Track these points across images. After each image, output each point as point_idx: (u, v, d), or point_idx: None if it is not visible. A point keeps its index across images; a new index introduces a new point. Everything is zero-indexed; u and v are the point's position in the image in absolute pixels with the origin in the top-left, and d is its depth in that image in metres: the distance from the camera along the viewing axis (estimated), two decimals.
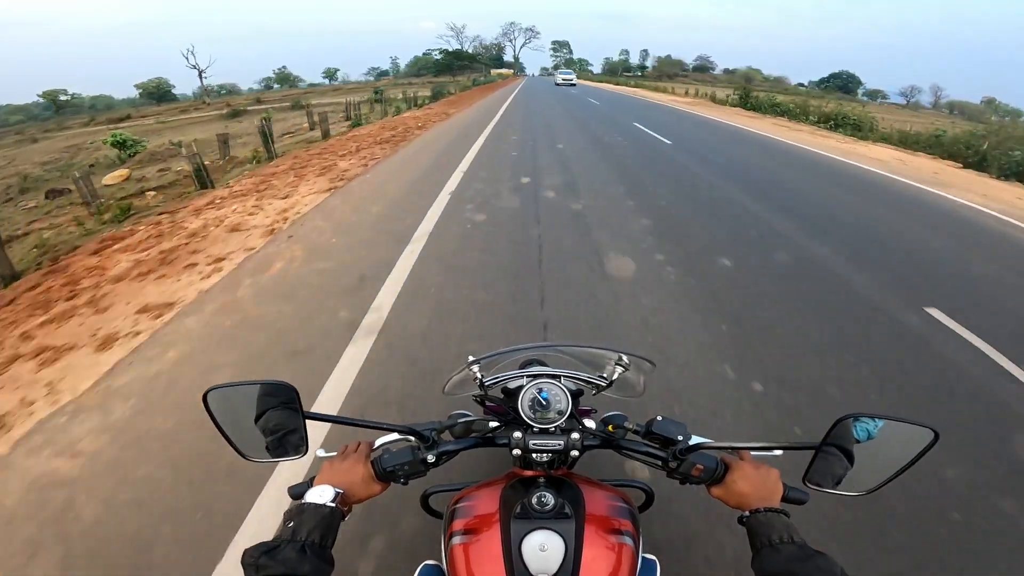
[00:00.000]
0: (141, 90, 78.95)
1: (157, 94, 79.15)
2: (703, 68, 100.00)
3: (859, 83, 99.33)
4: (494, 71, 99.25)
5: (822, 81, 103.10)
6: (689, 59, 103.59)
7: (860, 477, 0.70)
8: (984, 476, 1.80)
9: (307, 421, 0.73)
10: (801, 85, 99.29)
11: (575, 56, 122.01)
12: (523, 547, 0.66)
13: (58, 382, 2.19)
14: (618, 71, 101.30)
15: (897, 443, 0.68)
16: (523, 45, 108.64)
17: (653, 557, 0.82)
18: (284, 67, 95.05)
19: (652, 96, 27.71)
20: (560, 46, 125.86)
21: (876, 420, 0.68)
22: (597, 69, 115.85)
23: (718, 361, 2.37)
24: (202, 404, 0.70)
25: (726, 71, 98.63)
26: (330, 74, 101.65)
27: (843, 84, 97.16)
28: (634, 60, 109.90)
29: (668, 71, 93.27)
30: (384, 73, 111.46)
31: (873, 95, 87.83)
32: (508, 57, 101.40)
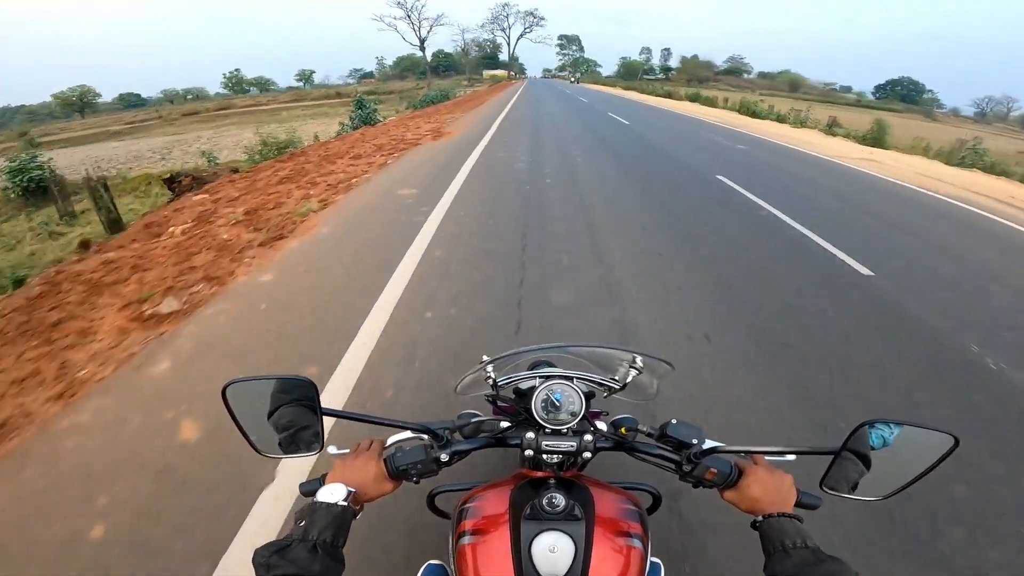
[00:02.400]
0: (58, 100, 66.23)
1: (79, 105, 66.70)
2: (736, 71, 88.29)
3: (923, 91, 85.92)
4: (487, 73, 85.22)
5: (879, 89, 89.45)
6: (717, 60, 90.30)
7: (877, 482, 0.74)
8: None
9: (323, 417, 0.77)
10: (833, 89, 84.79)
11: (585, 54, 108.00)
12: (532, 548, 0.70)
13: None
14: (637, 74, 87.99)
15: (916, 449, 0.71)
16: (521, 36, 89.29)
17: (658, 560, 0.85)
18: (237, 70, 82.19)
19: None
20: (569, 42, 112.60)
21: (894, 426, 0.72)
22: (607, 71, 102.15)
23: None
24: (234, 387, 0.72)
25: (762, 75, 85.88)
26: (304, 77, 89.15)
27: (906, 93, 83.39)
28: (652, 60, 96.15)
29: (697, 74, 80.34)
30: (368, 75, 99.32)
31: (927, 104, 74.14)
32: (505, 56, 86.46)
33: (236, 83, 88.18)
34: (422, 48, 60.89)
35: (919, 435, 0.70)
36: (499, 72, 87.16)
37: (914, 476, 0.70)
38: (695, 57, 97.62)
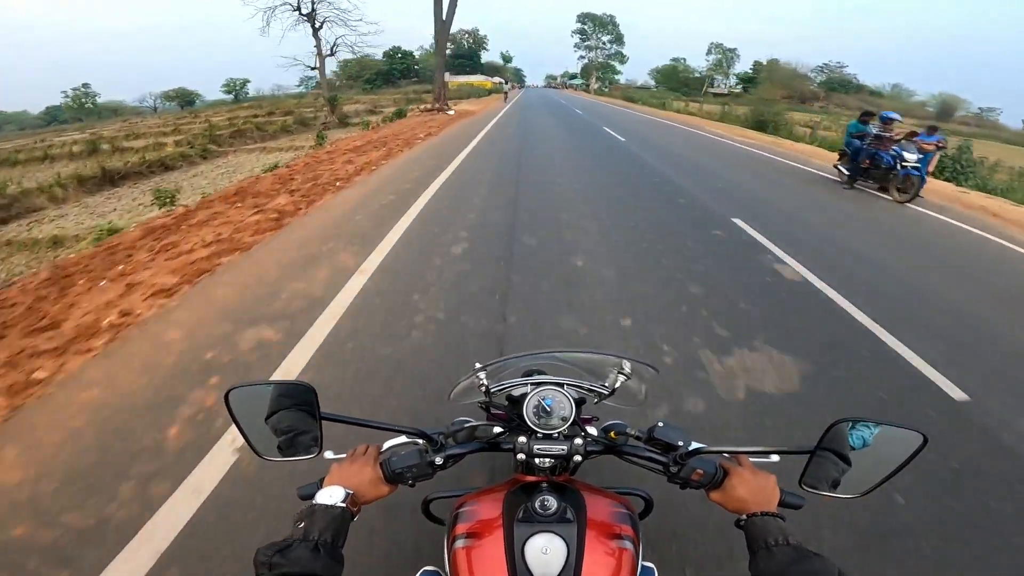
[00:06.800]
0: None
1: None
2: (840, 85, 60.28)
3: None
4: (453, 80, 55.64)
5: None
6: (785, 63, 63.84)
7: (854, 480, 0.84)
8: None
9: (322, 421, 0.91)
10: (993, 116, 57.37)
11: (623, 49, 79.91)
12: (525, 550, 0.78)
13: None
14: (701, 87, 60.11)
15: (888, 446, 0.81)
16: None
17: (651, 564, 0.95)
18: (86, 84, 59.71)
19: None
20: (596, 26, 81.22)
21: (869, 425, 0.82)
22: (623, 78, 74.52)
23: None
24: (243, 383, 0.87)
25: (872, 92, 59.30)
26: (233, 88, 60.90)
27: None
28: (699, 63, 69.15)
29: (794, 89, 53.07)
30: (328, 82, 69.37)
31: None
32: (496, 55, 57.99)
33: (81, 102, 58.92)
34: None
35: (890, 433, 0.81)
36: (484, 80, 56.20)
37: (888, 472, 0.81)
38: (774, 62, 71.05)
